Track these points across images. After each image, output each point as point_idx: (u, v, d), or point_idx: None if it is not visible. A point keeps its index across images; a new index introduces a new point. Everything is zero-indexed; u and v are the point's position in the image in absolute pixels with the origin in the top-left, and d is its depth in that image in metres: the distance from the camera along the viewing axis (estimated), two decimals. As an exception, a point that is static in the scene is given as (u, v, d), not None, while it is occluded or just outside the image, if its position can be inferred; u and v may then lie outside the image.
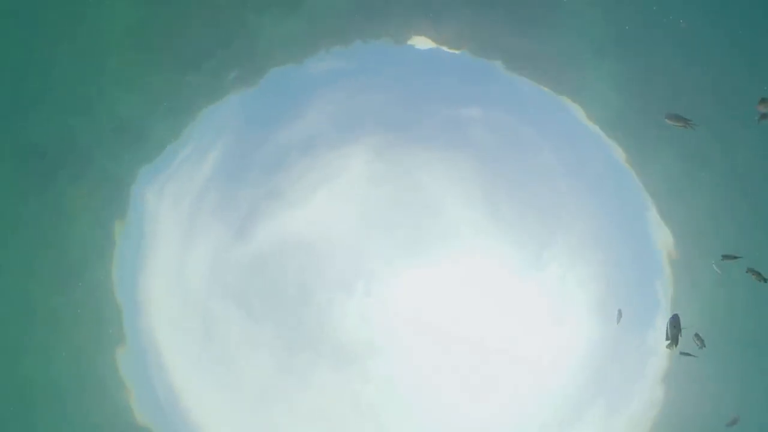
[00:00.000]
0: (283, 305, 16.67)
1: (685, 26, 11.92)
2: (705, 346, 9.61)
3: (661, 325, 15.23)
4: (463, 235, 16.69)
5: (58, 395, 13.34)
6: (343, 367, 16.94)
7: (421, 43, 13.56)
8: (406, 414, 17.16)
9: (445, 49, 13.63)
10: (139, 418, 13.96)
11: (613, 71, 13.07)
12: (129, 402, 13.96)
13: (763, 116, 6.55)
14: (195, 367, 15.47)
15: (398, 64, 14.22)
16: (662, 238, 14.32)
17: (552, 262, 16.25)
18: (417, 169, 16.20)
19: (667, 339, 6.41)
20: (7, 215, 12.56)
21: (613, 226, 15.44)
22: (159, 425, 14.34)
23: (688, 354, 9.37)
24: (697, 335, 9.57)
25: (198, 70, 12.84)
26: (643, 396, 15.54)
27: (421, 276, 17.09)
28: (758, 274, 7.96)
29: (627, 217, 14.94)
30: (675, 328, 6.37)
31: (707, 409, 14.76)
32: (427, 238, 16.87)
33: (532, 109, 14.81)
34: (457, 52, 13.67)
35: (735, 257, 9.35)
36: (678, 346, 6.40)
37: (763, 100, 5.36)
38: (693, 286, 14.21)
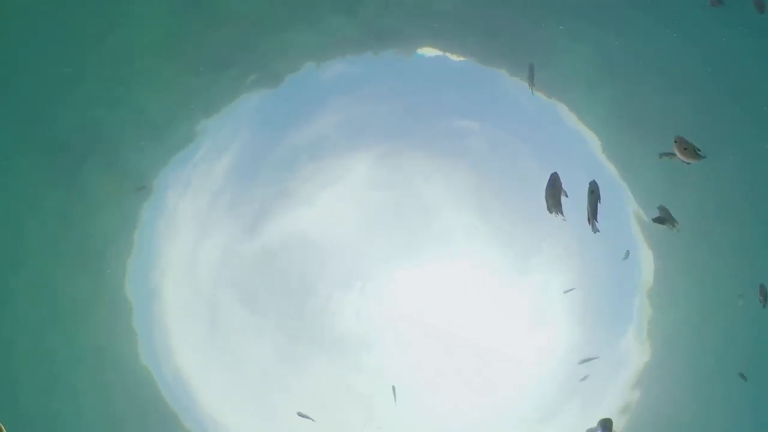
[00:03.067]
0: (285, 298, 17.14)
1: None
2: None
3: (634, 332, 15.80)
4: (456, 239, 17.13)
5: (77, 370, 13.84)
6: (339, 358, 17.50)
7: (425, 58, 13.96)
8: (396, 401, 17.45)
9: (449, 57, 13.97)
10: (150, 393, 14.57)
11: (607, 92, 13.49)
12: (141, 379, 14.52)
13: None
14: (202, 351, 15.96)
15: (403, 77, 14.61)
16: (642, 251, 14.86)
17: (537, 268, 16.71)
18: (416, 176, 16.67)
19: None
20: (35, 202, 12.97)
21: (596, 239, 14.90)
22: (168, 400, 14.88)
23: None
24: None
25: (219, 74, 13.26)
26: (615, 396, 16.06)
27: (414, 277, 17.54)
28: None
29: (609, 231, 14.81)
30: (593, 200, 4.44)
31: (674, 410, 15.46)
32: (422, 241, 17.32)
33: (527, 125, 15.22)
34: (459, 59, 14.00)
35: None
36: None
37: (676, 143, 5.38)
38: (668, 297, 14.87)
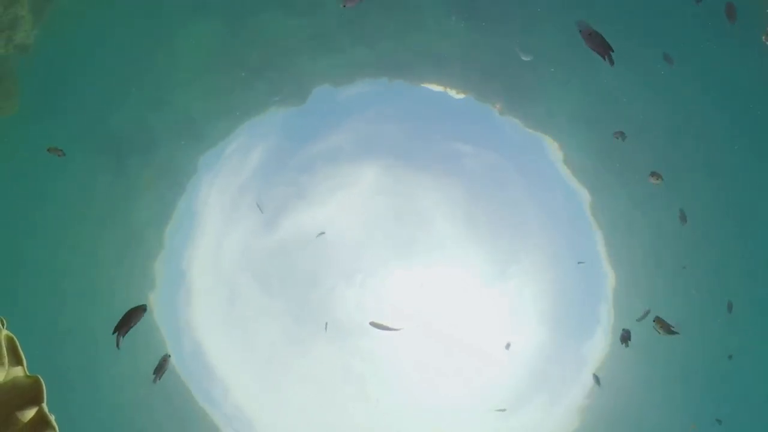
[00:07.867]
0: (294, 286, 18.38)
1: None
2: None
3: (602, 335, 16.80)
4: (445, 246, 18.17)
5: (110, 341, 15.04)
6: (338, 342, 18.65)
7: (432, 87, 15.31)
8: (386, 383, 18.88)
9: (450, 93, 15.19)
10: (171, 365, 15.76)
11: (586, 129, 14.66)
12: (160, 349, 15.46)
13: None
14: (219, 328, 17.17)
15: (411, 103, 15.76)
16: (608, 265, 16.00)
17: (515, 276, 17.80)
18: (415, 189, 17.85)
19: None
20: (87, 188, 14.32)
21: (569, 253, 16.87)
22: (186, 373, 16.06)
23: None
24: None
25: (253, 87, 14.47)
26: (578, 391, 17.16)
27: (409, 275, 18.70)
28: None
29: (581, 247, 16.52)
30: None
31: (631, 402, 16.63)
32: (417, 245, 18.47)
33: (514, 152, 16.35)
34: (460, 97, 15.19)
35: None
36: None
37: None
38: (630, 308, 15.73)
